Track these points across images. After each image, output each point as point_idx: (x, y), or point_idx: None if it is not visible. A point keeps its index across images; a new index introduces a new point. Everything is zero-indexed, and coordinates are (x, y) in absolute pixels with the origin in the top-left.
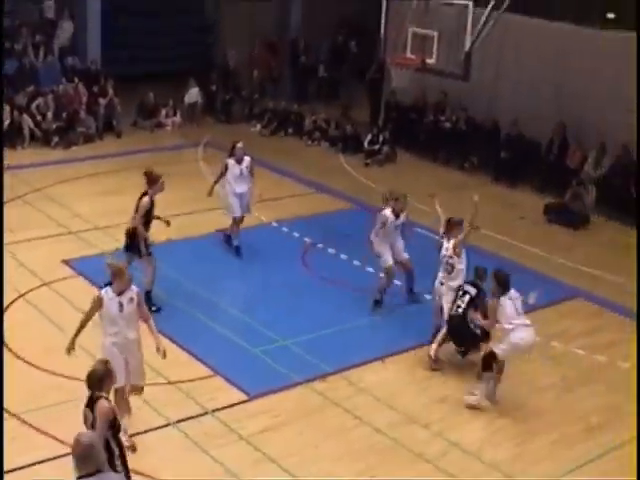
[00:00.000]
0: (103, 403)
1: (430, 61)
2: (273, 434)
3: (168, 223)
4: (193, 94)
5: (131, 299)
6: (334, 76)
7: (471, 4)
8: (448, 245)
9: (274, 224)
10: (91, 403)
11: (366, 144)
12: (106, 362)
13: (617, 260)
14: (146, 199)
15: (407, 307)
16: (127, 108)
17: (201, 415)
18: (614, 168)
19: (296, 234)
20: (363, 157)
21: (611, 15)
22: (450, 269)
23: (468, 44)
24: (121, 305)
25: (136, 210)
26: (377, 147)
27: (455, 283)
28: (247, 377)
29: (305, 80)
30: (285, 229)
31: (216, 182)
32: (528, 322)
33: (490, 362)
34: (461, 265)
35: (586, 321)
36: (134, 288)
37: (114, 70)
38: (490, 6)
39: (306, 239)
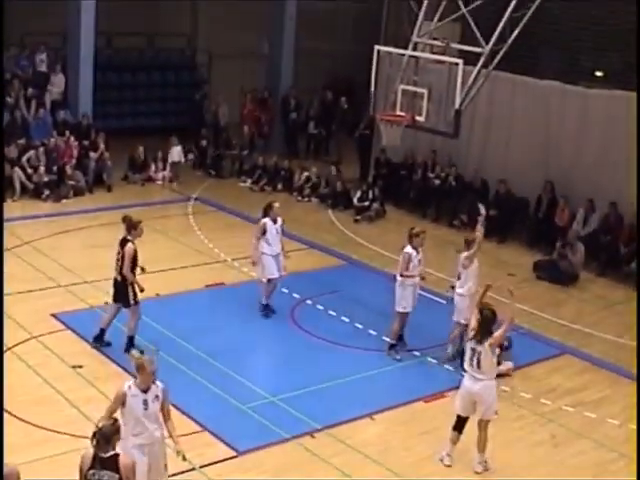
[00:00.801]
0: (125, 460)
1: (420, 118)
2: None
3: (143, 270)
4: (174, 153)
5: (157, 396)
6: (324, 132)
7: (461, 62)
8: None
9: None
10: (103, 463)
11: (356, 200)
12: (115, 420)
13: (606, 316)
14: (131, 245)
15: (397, 363)
16: (118, 162)
17: (189, 471)
18: (602, 225)
19: (285, 290)
20: (353, 213)
21: (599, 73)
22: (458, 277)
23: (458, 102)
24: (146, 403)
25: (122, 259)
26: (367, 203)
27: (461, 290)
28: (236, 433)
29: (295, 136)
30: None
31: (256, 246)
32: (479, 376)
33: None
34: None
35: (575, 378)
36: (159, 384)
37: (105, 124)
38: (480, 64)
39: (295, 295)
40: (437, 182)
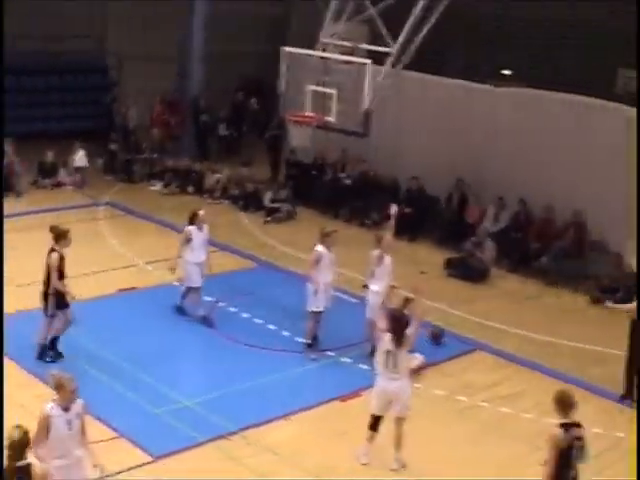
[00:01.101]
0: (37, 469)
1: (329, 119)
2: None
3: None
4: (78, 158)
5: (78, 414)
6: (235, 134)
7: (369, 62)
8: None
9: (175, 283)
10: (19, 471)
11: (267, 202)
12: (25, 430)
13: (517, 312)
14: (54, 255)
15: (311, 364)
16: (28, 167)
17: (105, 477)
18: (513, 222)
19: None
20: (264, 215)
21: (507, 71)
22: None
23: (367, 102)
24: (70, 423)
25: (48, 269)
26: (278, 205)
27: (375, 288)
28: (151, 438)
29: (206, 138)
30: None
31: (179, 254)
32: (396, 376)
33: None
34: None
35: (490, 374)
36: (79, 401)
37: (13, 129)
38: (388, 64)
39: (208, 298)
40: (348, 182)
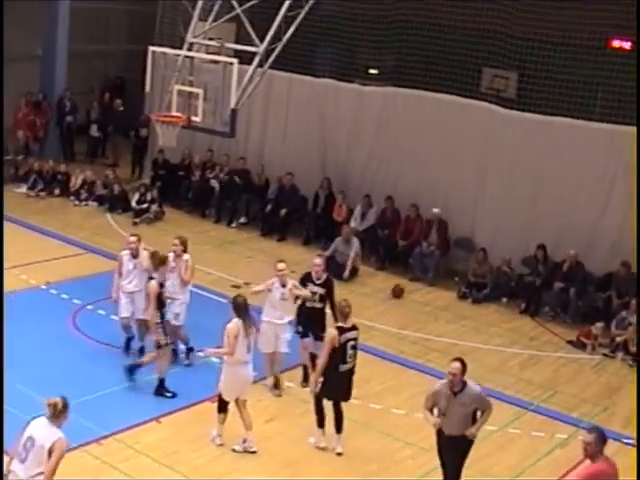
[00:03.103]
0: None
1: (196, 119)
2: None
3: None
4: None
5: None
6: (101, 135)
7: (236, 62)
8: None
9: (43, 287)
10: None
11: (134, 203)
12: None
13: (387, 309)
14: (154, 283)
15: (181, 365)
16: None
17: None
18: (380, 220)
19: (65, 296)
20: (132, 216)
21: (373, 71)
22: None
23: (234, 101)
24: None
25: (147, 297)
26: (145, 206)
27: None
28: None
29: (71, 140)
30: (54, 291)
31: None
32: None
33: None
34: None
35: (359, 370)
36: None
37: None
38: (255, 63)
39: (76, 301)
40: (215, 182)
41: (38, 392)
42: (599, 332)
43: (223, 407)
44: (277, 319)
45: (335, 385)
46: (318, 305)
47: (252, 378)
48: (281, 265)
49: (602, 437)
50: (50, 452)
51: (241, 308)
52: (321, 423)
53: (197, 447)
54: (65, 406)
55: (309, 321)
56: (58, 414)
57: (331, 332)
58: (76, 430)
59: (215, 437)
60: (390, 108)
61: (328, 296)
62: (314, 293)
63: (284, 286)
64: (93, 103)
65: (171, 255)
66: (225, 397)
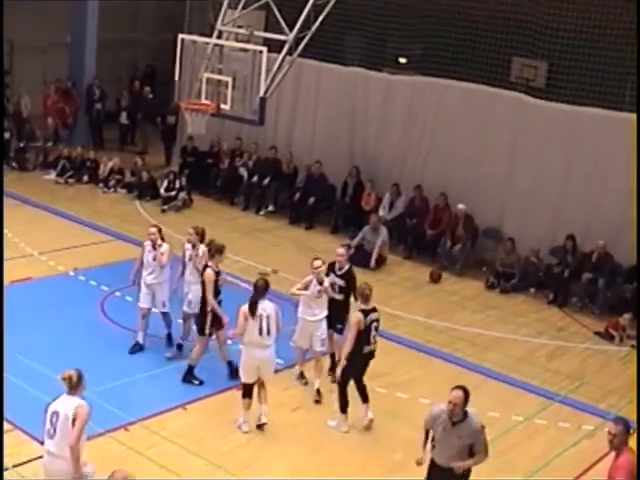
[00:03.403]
0: None
1: (225, 107)
2: None
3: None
4: None
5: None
6: (130, 123)
7: (265, 50)
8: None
9: (71, 273)
10: None
11: (162, 190)
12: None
13: (413, 298)
14: (209, 271)
15: (208, 353)
16: None
17: (4, 470)
18: (408, 209)
19: (93, 282)
20: (160, 203)
21: (403, 60)
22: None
23: (263, 89)
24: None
25: (203, 286)
26: (173, 193)
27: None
28: None
29: (100, 127)
30: (82, 278)
31: (136, 270)
32: (268, 343)
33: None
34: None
35: (385, 359)
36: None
37: None
38: (284, 52)
39: (104, 287)
40: (244, 170)
41: None
42: (627, 323)
43: (247, 392)
44: (311, 316)
45: (357, 366)
46: (338, 296)
47: (271, 361)
48: (317, 262)
49: (627, 428)
50: (74, 421)
51: (258, 290)
52: (344, 408)
53: (224, 434)
54: (80, 377)
55: (330, 312)
56: (75, 386)
57: (357, 315)
58: (103, 416)
59: (242, 424)
60: (418, 97)
61: (349, 287)
62: (333, 284)
63: (321, 283)
64: (123, 91)
65: (188, 245)
66: (243, 379)
